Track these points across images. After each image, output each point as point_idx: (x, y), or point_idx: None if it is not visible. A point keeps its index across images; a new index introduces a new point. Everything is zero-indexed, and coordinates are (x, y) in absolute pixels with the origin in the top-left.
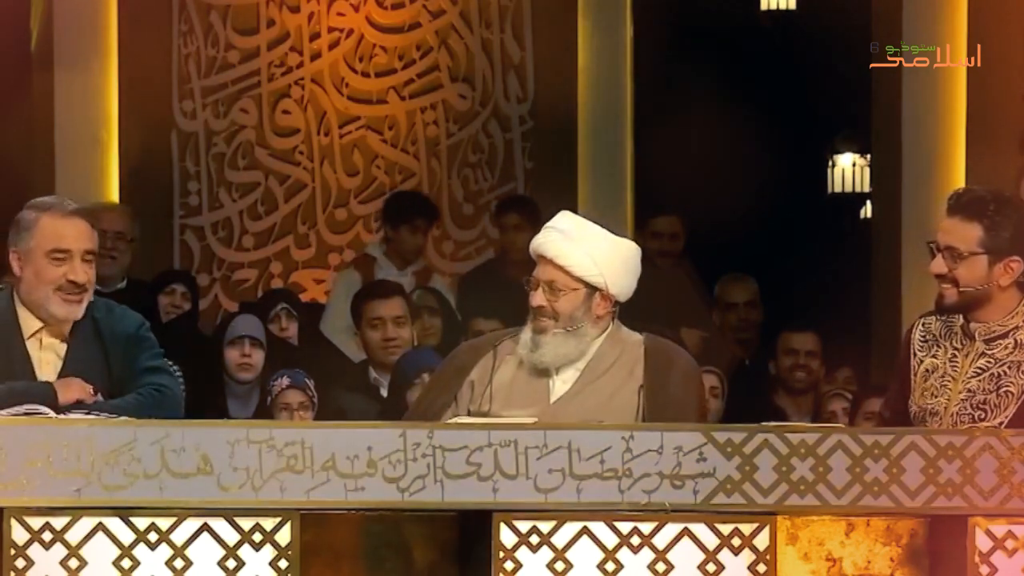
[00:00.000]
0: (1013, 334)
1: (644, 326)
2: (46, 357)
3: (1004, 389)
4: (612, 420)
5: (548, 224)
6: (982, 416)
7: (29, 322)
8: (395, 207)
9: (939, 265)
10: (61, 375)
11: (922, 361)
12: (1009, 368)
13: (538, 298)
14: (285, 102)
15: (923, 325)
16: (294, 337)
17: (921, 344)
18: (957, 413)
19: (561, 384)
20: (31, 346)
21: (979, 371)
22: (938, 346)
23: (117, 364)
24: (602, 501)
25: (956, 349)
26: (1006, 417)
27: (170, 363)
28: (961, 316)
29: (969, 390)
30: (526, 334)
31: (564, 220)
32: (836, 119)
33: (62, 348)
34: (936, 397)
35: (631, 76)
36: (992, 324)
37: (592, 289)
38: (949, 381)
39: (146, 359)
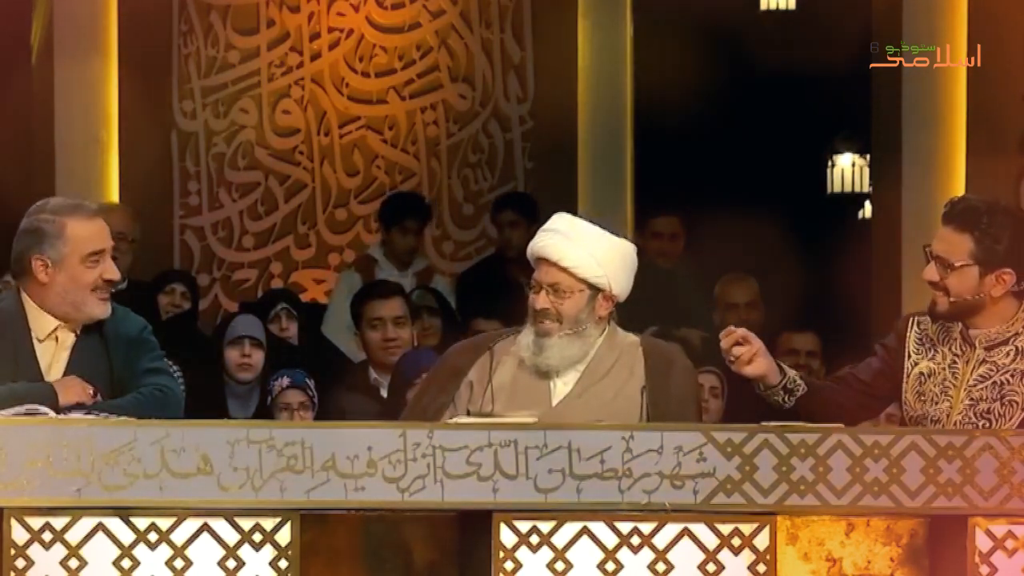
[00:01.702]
0: (1013, 341)
1: (644, 326)
2: (60, 356)
3: (1008, 398)
4: (616, 421)
5: (546, 226)
6: (987, 425)
7: (44, 323)
8: (386, 209)
9: (931, 272)
10: (66, 374)
11: (916, 363)
12: (1012, 376)
13: (542, 301)
14: (285, 102)
15: (919, 326)
16: (294, 337)
17: (917, 346)
18: (960, 422)
19: (563, 386)
20: (48, 346)
21: (981, 378)
22: (935, 350)
23: (119, 365)
24: (602, 501)
25: (956, 355)
26: (1011, 427)
27: (171, 364)
28: (959, 322)
29: (972, 398)
30: (527, 336)
31: (562, 221)
32: (836, 119)
33: (69, 348)
34: (937, 404)
35: (631, 76)
36: (991, 331)
37: (595, 290)
38: (951, 388)
39: (147, 361)
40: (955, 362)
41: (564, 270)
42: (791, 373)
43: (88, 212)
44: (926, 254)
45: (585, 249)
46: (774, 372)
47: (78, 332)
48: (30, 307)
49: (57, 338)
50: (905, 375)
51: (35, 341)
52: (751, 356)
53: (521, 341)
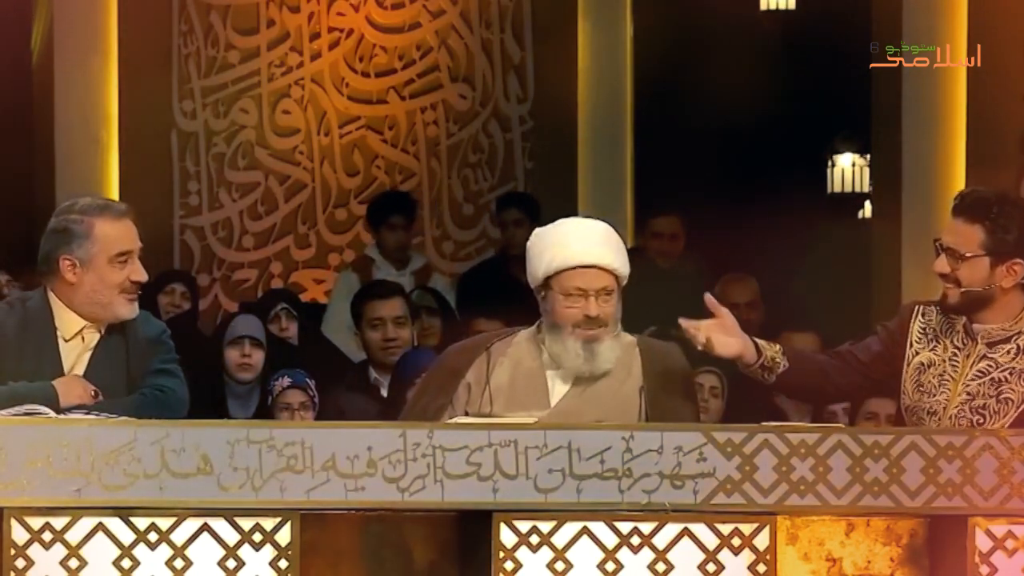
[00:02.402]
0: (1016, 339)
1: (644, 326)
2: (84, 356)
3: (1004, 396)
4: (614, 421)
5: (567, 233)
6: (980, 421)
7: (71, 323)
8: (372, 210)
9: (942, 265)
10: (86, 373)
11: (918, 353)
12: (1010, 375)
13: (595, 307)
14: (285, 102)
15: (923, 316)
16: (294, 337)
17: (920, 336)
18: (956, 415)
19: (561, 386)
20: (73, 345)
21: (980, 374)
22: (937, 342)
23: (135, 367)
24: (602, 501)
25: (957, 348)
26: (1004, 424)
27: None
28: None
29: (968, 392)
30: (573, 344)
31: (581, 225)
32: (836, 119)
33: (93, 347)
34: (934, 396)
35: (631, 76)
36: (995, 327)
37: (620, 286)
38: (949, 380)
39: (158, 362)
40: (955, 355)
41: (612, 272)
42: (769, 352)
43: (116, 212)
44: (936, 247)
45: (613, 246)
46: (750, 351)
47: (102, 332)
48: (57, 307)
49: (83, 338)
50: (906, 363)
51: (60, 341)
52: (706, 335)
53: (563, 352)
